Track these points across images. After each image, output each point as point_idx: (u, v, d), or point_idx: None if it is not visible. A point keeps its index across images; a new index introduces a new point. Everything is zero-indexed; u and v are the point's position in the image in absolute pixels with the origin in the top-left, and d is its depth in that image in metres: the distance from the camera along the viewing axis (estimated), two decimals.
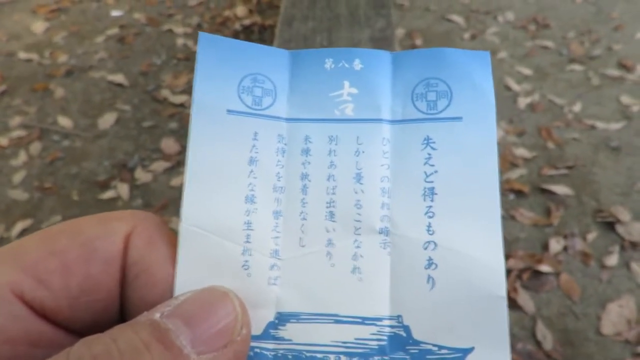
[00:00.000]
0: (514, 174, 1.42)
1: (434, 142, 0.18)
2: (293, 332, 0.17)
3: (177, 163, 1.49)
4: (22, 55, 1.92)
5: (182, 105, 1.69)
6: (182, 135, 1.59)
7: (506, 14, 2.19)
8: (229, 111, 0.19)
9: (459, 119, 0.19)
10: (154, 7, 2.24)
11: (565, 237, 1.25)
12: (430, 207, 0.18)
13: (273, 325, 0.17)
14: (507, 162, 1.45)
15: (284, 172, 0.18)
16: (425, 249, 0.17)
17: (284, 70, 0.20)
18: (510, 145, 1.52)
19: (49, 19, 2.14)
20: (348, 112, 0.19)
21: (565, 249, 1.23)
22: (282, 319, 0.17)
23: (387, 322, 0.17)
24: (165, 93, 1.75)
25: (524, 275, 1.16)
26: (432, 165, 0.18)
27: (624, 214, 1.29)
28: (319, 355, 0.16)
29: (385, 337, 0.17)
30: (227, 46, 0.19)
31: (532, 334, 1.06)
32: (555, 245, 1.23)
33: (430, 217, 0.18)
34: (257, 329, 0.17)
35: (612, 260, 1.20)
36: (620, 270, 1.18)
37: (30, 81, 1.80)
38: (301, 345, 0.17)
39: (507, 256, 1.20)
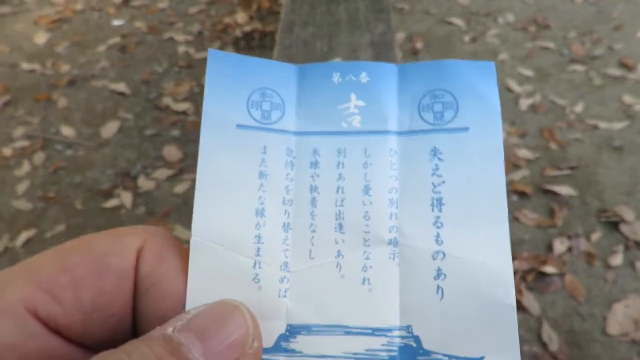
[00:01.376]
0: (517, 175, 1.42)
1: (441, 153, 0.18)
2: (304, 345, 0.17)
3: (180, 170, 1.50)
4: (25, 66, 1.93)
5: (184, 113, 1.70)
6: (184, 142, 1.59)
7: (506, 15, 2.19)
8: (239, 126, 0.19)
9: (465, 129, 0.19)
10: (155, 16, 2.25)
11: (569, 238, 1.25)
12: (439, 217, 0.18)
13: (284, 337, 0.17)
14: (510, 163, 1.45)
15: (293, 185, 0.19)
16: (435, 259, 0.17)
17: (292, 85, 0.20)
18: (513, 146, 1.52)
19: (52, 30, 2.16)
20: (356, 124, 0.19)
21: (569, 249, 1.23)
22: (293, 331, 0.17)
23: (397, 333, 0.17)
24: (167, 101, 1.75)
25: (528, 277, 1.16)
26: (440, 176, 0.18)
27: (628, 214, 1.29)
28: None
29: (395, 348, 0.17)
30: (236, 62, 0.19)
31: (538, 336, 1.06)
32: (560, 246, 1.23)
33: (438, 227, 0.18)
34: (268, 341, 0.17)
35: (617, 260, 1.19)
36: (626, 270, 1.18)
37: (34, 92, 1.81)
38: (312, 358, 0.17)
39: (512, 258, 1.19)
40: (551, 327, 1.07)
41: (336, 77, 0.20)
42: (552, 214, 1.31)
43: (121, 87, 1.82)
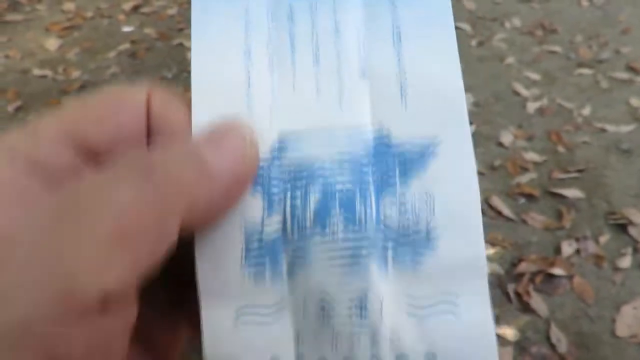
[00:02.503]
0: (524, 178, 1.43)
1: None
2: (293, 150, 0.20)
3: None
4: (37, 71, 1.96)
5: None
6: None
7: (513, 20, 2.20)
8: None
9: None
10: (164, 22, 2.28)
11: (577, 240, 1.25)
12: (399, 50, 0.21)
13: (275, 147, 0.20)
14: (517, 166, 1.46)
15: (274, 34, 0.21)
16: (398, 78, 0.21)
17: None
18: (520, 149, 1.52)
19: (62, 36, 2.19)
20: None
21: (577, 251, 1.23)
22: (283, 141, 0.20)
23: (370, 128, 0.20)
24: None
25: (536, 278, 1.16)
26: (396, 17, 0.21)
27: (636, 216, 1.29)
28: (316, 163, 0.20)
29: (371, 142, 0.20)
30: None
31: (546, 337, 1.06)
32: (568, 248, 1.23)
33: (399, 57, 0.21)
34: (262, 152, 0.20)
35: (625, 262, 1.20)
36: (634, 272, 1.18)
37: (45, 97, 1.83)
38: (301, 159, 0.20)
39: (520, 260, 1.20)
40: (559, 328, 1.07)
41: None
42: (559, 216, 1.32)
43: None
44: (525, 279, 1.16)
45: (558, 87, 1.79)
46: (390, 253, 0.19)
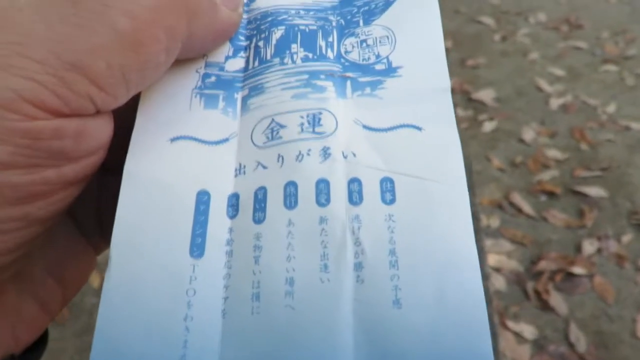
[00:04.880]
0: (546, 175, 1.41)
1: None
2: (260, 1, 0.20)
3: None
4: None
5: None
6: None
7: (537, 14, 2.17)
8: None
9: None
10: None
11: (599, 239, 1.23)
12: None
13: (244, 0, 0.20)
14: (538, 163, 1.44)
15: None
16: None
17: None
18: (542, 146, 1.50)
19: None
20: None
21: (599, 251, 1.21)
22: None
23: None
24: None
25: (556, 277, 1.15)
26: None
27: None
28: (282, 10, 0.20)
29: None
30: None
31: (564, 336, 1.05)
32: (589, 247, 1.22)
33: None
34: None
35: None
36: None
37: None
38: (267, 8, 0.20)
39: (539, 258, 1.19)
40: (579, 327, 1.06)
41: None
42: (581, 214, 1.30)
43: None
44: (545, 277, 1.15)
45: (582, 83, 1.76)
46: (349, 83, 0.18)
